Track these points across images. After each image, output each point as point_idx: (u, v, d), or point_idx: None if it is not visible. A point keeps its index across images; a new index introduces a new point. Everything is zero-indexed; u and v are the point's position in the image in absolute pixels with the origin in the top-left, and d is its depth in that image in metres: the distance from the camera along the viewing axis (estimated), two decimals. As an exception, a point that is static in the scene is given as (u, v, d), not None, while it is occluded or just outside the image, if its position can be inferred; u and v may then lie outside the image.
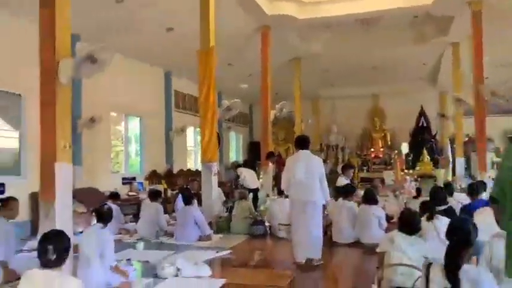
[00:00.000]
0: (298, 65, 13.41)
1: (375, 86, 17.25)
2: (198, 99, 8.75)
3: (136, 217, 9.06)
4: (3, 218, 5.20)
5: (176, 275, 4.87)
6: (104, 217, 4.69)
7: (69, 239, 2.85)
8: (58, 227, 4.11)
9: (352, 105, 17.92)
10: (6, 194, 6.15)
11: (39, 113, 4.69)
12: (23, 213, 7.89)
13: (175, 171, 13.54)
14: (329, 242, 6.53)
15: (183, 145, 14.72)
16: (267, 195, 10.37)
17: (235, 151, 19.88)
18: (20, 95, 8.29)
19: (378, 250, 4.12)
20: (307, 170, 5.39)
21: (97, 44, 4.60)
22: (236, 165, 14.95)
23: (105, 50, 4.51)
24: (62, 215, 4.43)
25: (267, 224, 7.81)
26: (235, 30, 10.21)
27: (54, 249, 2.66)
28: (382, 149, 17.77)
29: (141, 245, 6.59)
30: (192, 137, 15.82)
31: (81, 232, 6.09)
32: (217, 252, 6.20)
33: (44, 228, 4.43)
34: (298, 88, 13.54)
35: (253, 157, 18.22)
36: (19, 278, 4.68)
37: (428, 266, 2.67)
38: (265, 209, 8.47)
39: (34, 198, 7.99)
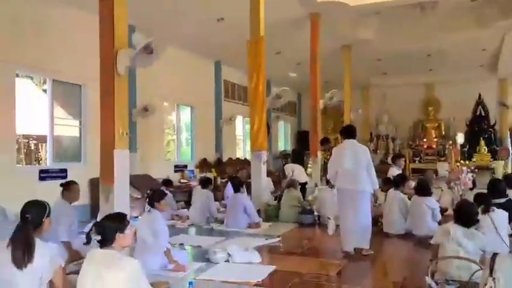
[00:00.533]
0: (348, 52, 13.16)
1: (429, 74, 16.64)
2: (248, 88, 8.82)
3: (187, 204, 9.34)
4: (65, 201, 5.52)
5: (227, 260, 5.00)
6: (156, 201, 4.87)
7: (120, 222, 2.89)
8: (116, 210, 4.33)
9: (405, 94, 17.39)
10: (68, 179, 6.50)
11: (98, 103, 4.94)
12: (83, 197, 8.33)
13: (224, 159, 13.77)
14: (380, 233, 6.43)
15: (232, 134, 14.93)
16: (316, 185, 10.33)
17: (283, 140, 19.90)
18: (80, 85, 8.72)
19: (432, 242, 4.02)
20: (354, 159, 5.37)
21: (152, 35, 4.77)
22: (283, 163, 15.09)
23: (160, 40, 4.65)
24: (120, 199, 4.67)
25: (315, 213, 7.79)
26: (284, 18, 10.17)
27: (99, 229, 2.78)
28: (435, 140, 17.15)
29: (193, 231, 6.80)
30: (240, 126, 16.00)
31: (136, 217, 6.38)
32: (266, 239, 6.28)
33: (104, 211, 4.69)
34: (348, 76, 13.31)
35: (302, 147, 18.24)
36: (81, 258, 5.04)
37: (493, 256, 2.58)
38: (313, 199, 8.45)
39: (93, 183, 8.42)
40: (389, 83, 17.32)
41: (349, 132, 5.62)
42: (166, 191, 8.00)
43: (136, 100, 9.66)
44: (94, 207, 8.21)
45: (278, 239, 6.38)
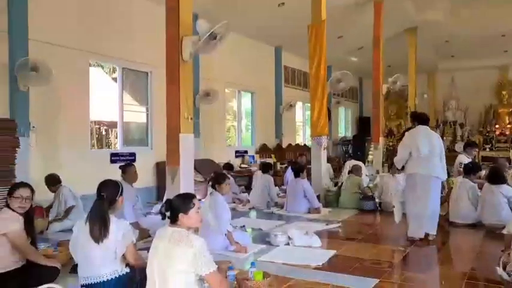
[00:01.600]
0: (413, 35, 12.62)
1: (503, 56, 15.53)
2: (309, 74, 8.76)
3: (248, 188, 9.52)
4: (126, 183, 5.81)
5: (288, 244, 5.07)
6: (218, 184, 5.02)
7: (183, 203, 2.95)
8: (181, 191, 4.52)
9: (475, 77, 16.37)
10: (136, 163, 6.86)
11: (163, 89, 5.14)
12: (150, 180, 8.80)
13: (284, 145, 13.82)
14: (445, 222, 6.20)
15: (291, 120, 14.92)
16: (377, 172, 10.12)
17: (344, 127, 19.57)
18: (147, 73, 9.10)
19: (505, 232, 3.83)
20: (429, 145, 5.32)
21: (214, 22, 4.87)
22: (343, 150, 14.86)
23: (224, 27, 4.74)
24: (185, 181, 4.87)
25: (377, 200, 7.65)
26: (346, 1, 9.94)
27: (168, 206, 2.91)
28: (509, 126, 16.07)
29: (253, 214, 6.94)
30: (300, 112, 15.93)
31: (200, 200, 6.62)
32: (326, 224, 6.28)
33: (170, 192, 4.92)
34: (413, 60, 12.79)
35: (363, 133, 17.87)
36: (149, 236, 5.34)
37: None
38: (374, 186, 8.29)
39: (159, 166, 8.83)
40: (458, 66, 16.39)
41: (423, 118, 5.62)
42: (228, 175, 8.25)
43: (199, 86, 9.90)
44: (160, 189, 8.61)
45: (338, 224, 6.36)
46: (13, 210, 3.67)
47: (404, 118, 16.71)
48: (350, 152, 17.71)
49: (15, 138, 5.93)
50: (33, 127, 6.61)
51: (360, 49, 13.54)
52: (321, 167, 8.45)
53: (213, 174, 5.75)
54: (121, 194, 3.42)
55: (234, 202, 8.14)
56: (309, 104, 8.77)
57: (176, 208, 2.88)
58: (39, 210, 5.65)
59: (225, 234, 4.79)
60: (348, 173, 8.21)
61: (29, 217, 3.83)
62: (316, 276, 3.92)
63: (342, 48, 13.19)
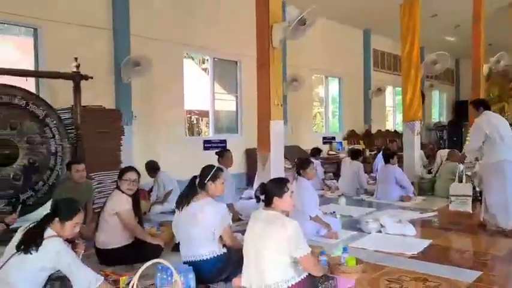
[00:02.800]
0: (520, 9, 11.41)
1: None
2: (400, 56, 8.38)
3: (336, 175, 9.43)
4: (224, 167, 6.06)
5: (379, 231, 4.97)
6: (302, 169, 5.04)
7: (277, 187, 3.01)
8: (272, 177, 4.62)
9: None
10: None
11: (252, 77, 5.25)
12: (240, 166, 9.09)
13: (373, 131, 13.42)
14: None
15: (381, 105, 14.42)
16: (476, 159, 9.41)
17: (437, 111, 18.45)
18: (236, 62, 9.35)
19: None
20: (509, 130, 5.03)
21: (302, 7, 4.85)
22: (437, 136, 13.93)
23: (312, 12, 4.71)
24: (275, 167, 4.95)
25: (477, 189, 7.14)
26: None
27: (262, 190, 2.98)
28: None
29: (343, 201, 6.86)
30: (390, 97, 15.31)
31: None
32: (420, 213, 6.04)
33: (261, 177, 5.04)
34: (520, 36, 11.57)
35: (459, 118, 16.69)
36: (240, 219, 5.55)
37: None
38: (473, 174, 7.73)
39: (248, 153, 9.08)
40: None
41: (488, 104, 5.36)
42: (313, 160, 8.22)
43: (286, 73, 9.95)
44: (250, 175, 8.85)
45: (434, 213, 6.07)
46: (123, 192, 4.04)
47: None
48: (444, 138, 16.70)
49: (121, 126, 6.46)
50: (135, 116, 7.17)
51: (456, 27, 12.59)
52: (414, 154, 8.09)
53: (297, 160, 5.79)
54: (211, 179, 3.54)
55: (323, 189, 8.12)
56: (400, 88, 8.42)
57: (271, 192, 2.95)
58: (142, 193, 6.12)
59: (310, 218, 4.77)
60: (445, 160, 7.74)
61: (135, 199, 4.18)
62: (411, 265, 3.80)
63: (436, 27, 12.36)
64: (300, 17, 4.61)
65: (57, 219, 2.83)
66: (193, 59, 11.14)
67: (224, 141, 8.85)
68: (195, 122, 11.57)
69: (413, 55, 7.83)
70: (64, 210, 2.87)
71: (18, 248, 2.72)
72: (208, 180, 3.48)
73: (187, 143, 8.42)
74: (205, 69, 10.99)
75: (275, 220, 2.86)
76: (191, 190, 3.52)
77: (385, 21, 10.91)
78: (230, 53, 9.02)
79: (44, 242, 2.71)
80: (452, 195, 5.88)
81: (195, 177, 3.54)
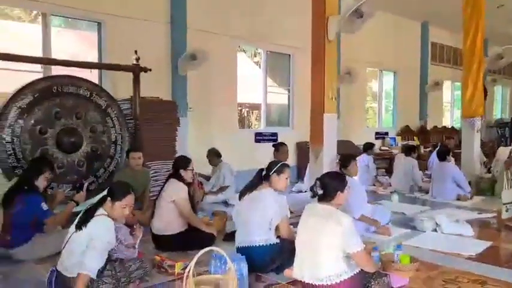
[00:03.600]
0: None
1: None
2: (462, 49, 8.01)
3: (388, 171, 9.21)
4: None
5: (435, 230, 4.82)
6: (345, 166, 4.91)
7: (340, 182, 3.02)
8: (324, 170, 4.60)
9: None
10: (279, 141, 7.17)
11: (305, 71, 5.24)
12: (290, 159, 9.05)
13: (428, 127, 12.96)
14: None
15: (438, 100, 13.87)
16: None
17: (500, 107, 17.48)
18: (289, 55, 9.33)
19: None
20: None
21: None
22: (498, 133, 13.14)
23: (369, 5, 4.62)
24: (328, 160, 4.93)
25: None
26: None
27: (322, 185, 2.96)
28: None
29: (395, 198, 6.69)
30: (448, 92, 14.69)
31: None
32: (478, 213, 5.79)
33: (313, 171, 5.05)
34: None
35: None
36: (290, 212, 5.56)
37: None
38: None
39: (299, 146, 9.07)
40: None
41: None
42: (365, 155, 8.07)
43: (339, 66, 9.80)
44: (300, 169, 8.85)
45: (493, 214, 5.78)
46: (180, 181, 4.18)
47: None
48: (506, 135, 15.80)
49: (176, 117, 6.66)
50: (190, 108, 7.36)
51: (524, 18, 11.84)
52: (473, 152, 7.74)
53: (339, 156, 5.66)
54: (276, 172, 3.61)
55: (374, 185, 7.97)
56: (459, 83, 8.07)
57: (335, 187, 2.94)
58: (197, 183, 6.28)
59: (354, 218, 4.67)
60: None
61: (190, 188, 4.33)
62: (468, 266, 3.67)
63: (502, 18, 11.68)
64: (355, 7, 4.52)
65: (108, 199, 3.03)
66: (245, 52, 11.24)
67: (275, 134, 8.88)
68: (245, 114, 11.70)
69: (476, 48, 7.47)
70: (115, 191, 3.07)
71: (76, 226, 2.98)
72: (273, 173, 3.58)
73: (240, 135, 8.53)
74: (256, 62, 11.07)
75: (331, 215, 2.86)
76: (256, 181, 3.65)
77: (445, 13, 10.46)
78: (284, 45, 9.00)
79: (93, 219, 2.94)
80: (506, 203, 5.20)
81: (261, 169, 3.63)
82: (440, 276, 3.41)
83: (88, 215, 3.00)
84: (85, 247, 2.88)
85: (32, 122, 4.99)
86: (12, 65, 5.37)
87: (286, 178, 3.65)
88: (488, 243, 4.36)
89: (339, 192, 2.92)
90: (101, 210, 3.01)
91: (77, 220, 3.03)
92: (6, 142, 4.81)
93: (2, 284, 3.17)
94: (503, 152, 8.27)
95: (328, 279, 2.76)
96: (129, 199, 3.08)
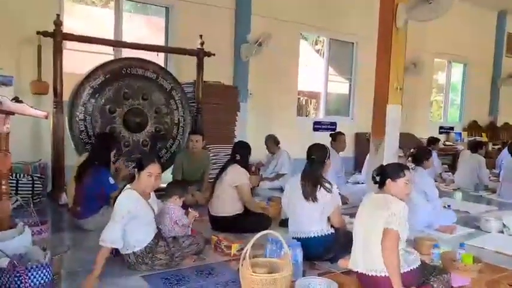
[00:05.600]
0: None
1: None
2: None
3: (451, 168, 8.82)
4: (334, 150, 6.00)
5: (501, 231, 4.58)
6: (418, 159, 4.85)
7: (392, 170, 2.93)
8: (385, 163, 4.47)
9: None
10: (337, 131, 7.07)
11: (368, 60, 5.08)
12: (348, 150, 8.91)
13: (499, 124, 12.20)
14: None
15: (511, 95, 12.99)
16: None
17: None
18: (353, 43, 9.12)
19: None
20: None
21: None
22: None
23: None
24: (389, 153, 4.78)
25: None
26: None
27: (378, 172, 2.94)
28: None
29: (459, 195, 6.42)
30: (524, 87, 13.69)
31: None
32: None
33: (371, 163, 4.93)
34: None
35: None
36: (346, 203, 5.50)
37: None
38: None
39: (358, 137, 8.89)
40: None
41: None
42: (432, 150, 7.76)
43: (405, 55, 9.43)
44: (358, 160, 8.68)
45: None
46: (241, 166, 4.25)
47: None
48: None
49: (237, 103, 6.75)
50: (251, 94, 7.43)
51: None
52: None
53: (415, 149, 5.53)
54: (328, 158, 3.62)
55: (436, 181, 7.65)
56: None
57: (386, 173, 2.89)
58: (253, 168, 6.34)
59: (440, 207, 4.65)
60: None
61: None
62: (537, 271, 3.46)
63: None
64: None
65: (136, 171, 3.16)
66: (306, 40, 11.11)
67: (334, 124, 8.77)
68: (303, 103, 11.62)
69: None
70: (140, 162, 3.18)
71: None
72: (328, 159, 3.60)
73: (298, 123, 8.50)
74: (317, 51, 10.89)
75: (382, 202, 2.80)
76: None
77: (525, 1, 9.73)
78: (348, 33, 8.80)
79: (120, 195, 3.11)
80: None
81: (312, 158, 3.58)
82: (506, 279, 3.24)
83: (120, 191, 3.20)
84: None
85: (103, 101, 5.27)
86: (86, 46, 5.68)
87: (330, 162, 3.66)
88: None
89: (389, 179, 2.84)
90: (127, 186, 3.17)
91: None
92: (79, 120, 5.13)
93: (72, 250, 3.41)
94: None
95: (383, 271, 2.71)
96: (153, 167, 3.12)
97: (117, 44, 6.06)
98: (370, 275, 2.75)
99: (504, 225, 4.59)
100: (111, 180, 4.12)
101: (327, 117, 8.99)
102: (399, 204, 2.74)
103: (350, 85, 9.28)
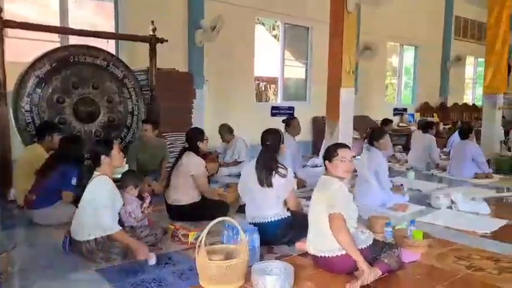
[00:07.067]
0: None
1: None
2: (487, 23, 7.75)
3: (405, 148, 9.11)
4: (289, 136, 6.05)
5: (450, 207, 4.78)
6: (372, 140, 4.90)
7: (327, 152, 3.06)
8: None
9: None
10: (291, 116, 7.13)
11: (323, 44, 5.14)
12: (306, 134, 9.06)
13: (449, 104, 12.71)
14: None
15: (460, 77, 13.55)
16: None
17: (524, 85, 16.99)
18: (307, 28, 9.17)
19: None
20: None
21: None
22: None
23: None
24: (344, 135, 4.89)
25: None
26: None
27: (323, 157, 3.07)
28: None
29: (411, 175, 6.63)
30: (471, 68, 14.32)
31: (354, 157, 6.58)
32: (496, 191, 5.70)
33: (327, 145, 5.01)
34: None
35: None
36: (305, 186, 5.57)
37: None
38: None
39: (316, 121, 9.01)
40: None
41: None
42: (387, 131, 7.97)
43: (359, 40, 9.60)
44: (316, 143, 8.82)
45: (511, 193, 5.70)
46: (196, 154, 4.20)
47: None
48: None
49: (192, 89, 6.65)
50: (207, 80, 7.34)
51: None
52: (494, 129, 7.58)
53: (370, 130, 5.64)
54: (282, 142, 3.63)
55: (390, 161, 7.89)
56: (483, 59, 7.84)
57: (324, 155, 3.03)
58: (212, 155, 6.31)
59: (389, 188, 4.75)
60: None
61: (205, 160, 4.37)
62: (482, 243, 3.63)
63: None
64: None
65: (103, 157, 3.18)
66: (263, 25, 11.08)
67: (292, 108, 8.84)
68: (263, 88, 11.64)
69: (502, 23, 7.22)
70: (104, 147, 3.24)
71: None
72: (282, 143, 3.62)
73: (256, 108, 8.50)
74: (275, 36, 10.91)
75: (324, 184, 2.94)
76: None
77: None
78: (302, 18, 8.84)
79: (91, 183, 3.14)
80: None
81: (267, 144, 3.58)
82: (453, 253, 3.39)
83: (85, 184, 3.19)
84: (91, 210, 3.04)
85: (50, 91, 5.06)
86: (30, 34, 5.40)
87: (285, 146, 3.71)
88: (504, 222, 4.30)
89: (326, 161, 2.98)
90: (95, 173, 3.16)
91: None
92: (25, 111, 4.90)
93: (22, 247, 3.28)
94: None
95: (331, 252, 2.78)
96: (117, 144, 3.34)
97: (63, 31, 5.81)
98: (320, 256, 2.83)
99: (452, 202, 4.79)
100: (74, 181, 4.01)
101: (285, 102, 9.04)
102: (337, 184, 2.86)
103: (306, 69, 9.36)
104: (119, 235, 3.05)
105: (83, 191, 3.18)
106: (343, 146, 3.10)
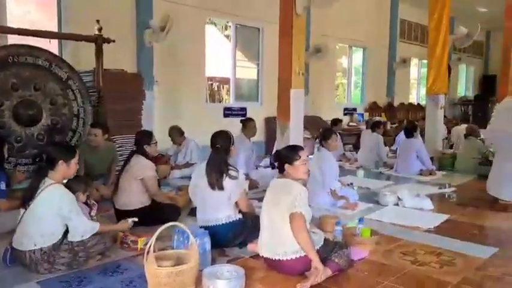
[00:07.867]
0: None
1: None
2: (429, 26, 8.10)
3: (355, 147, 9.36)
4: (244, 137, 6.09)
5: (397, 204, 4.95)
6: (324, 140, 5.00)
7: (288, 154, 3.07)
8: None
9: None
10: (247, 117, 7.13)
11: (274, 45, 5.18)
12: (259, 134, 9.06)
13: (395, 104, 13.20)
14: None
15: (405, 78, 14.11)
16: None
17: (464, 85, 17.96)
18: (258, 29, 9.21)
19: None
20: None
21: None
22: (462, 110, 13.35)
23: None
24: (295, 135, 4.94)
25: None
26: None
27: (275, 158, 3.10)
28: None
29: (361, 173, 6.82)
30: (415, 69, 14.95)
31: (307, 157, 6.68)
32: (439, 188, 5.97)
33: (279, 146, 5.04)
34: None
35: (486, 93, 16.24)
36: (257, 187, 5.59)
37: None
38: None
39: (268, 121, 9.07)
40: None
41: None
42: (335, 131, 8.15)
43: (310, 41, 9.76)
44: (268, 144, 8.87)
45: (453, 189, 5.99)
46: (145, 157, 4.09)
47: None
48: (469, 113, 16.33)
49: (142, 91, 6.49)
50: (157, 81, 7.19)
51: (490, -3, 12.07)
52: (437, 128, 7.94)
53: (321, 130, 5.74)
54: (233, 144, 3.62)
55: (341, 160, 8.08)
56: (426, 61, 8.18)
57: (283, 159, 3.00)
58: (164, 158, 6.18)
59: (328, 192, 4.79)
60: (465, 136, 7.57)
61: (156, 163, 4.27)
62: (426, 239, 3.79)
63: (468, -3, 11.89)
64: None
65: (60, 162, 3.03)
66: (215, 25, 11.02)
67: (244, 109, 8.84)
68: (216, 89, 11.57)
69: (442, 26, 7.56)
70: (64, 152, 3.11)
71: (22, 205, 3.01)
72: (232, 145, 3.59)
73: (208, 109, 8.44)
74: (227, 36, 10.88)
75: (283, 187, 2.92)
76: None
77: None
78: (253, 19, 8.86)
79: (45, 191, 2.92)
80: None
81: (216, 146, 3.54)
82: (399, 249, 3.51)
83: (33, 191, 2.95)
84: (40, 219, 2.89)
85: (-13, 93, 4.75)
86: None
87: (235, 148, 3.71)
88: (446, 217, 4.51)
89: (287, 164, 2.97)
90: (48, 181, 2.97)
91: (21, 200, 3.02)
92: (-41, 114, 4.58)
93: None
94: (461, 129, 8.57)
95: (284, 254, 2.80)
96: (77, 154, 3.21)
97: (0, 29, 5.48)
98: (274, 259, 2.83)
99: (399, 199, 4.97)
100: (2, 186, 3.76)
101: (237, 103, 9.04)
102: (299, 188, 2.86)
103: (258, 70, 9.40)
104: (102, 228, 3.13)
105: (28, 194, 2.97)
106: (301, 148, 3.13)
